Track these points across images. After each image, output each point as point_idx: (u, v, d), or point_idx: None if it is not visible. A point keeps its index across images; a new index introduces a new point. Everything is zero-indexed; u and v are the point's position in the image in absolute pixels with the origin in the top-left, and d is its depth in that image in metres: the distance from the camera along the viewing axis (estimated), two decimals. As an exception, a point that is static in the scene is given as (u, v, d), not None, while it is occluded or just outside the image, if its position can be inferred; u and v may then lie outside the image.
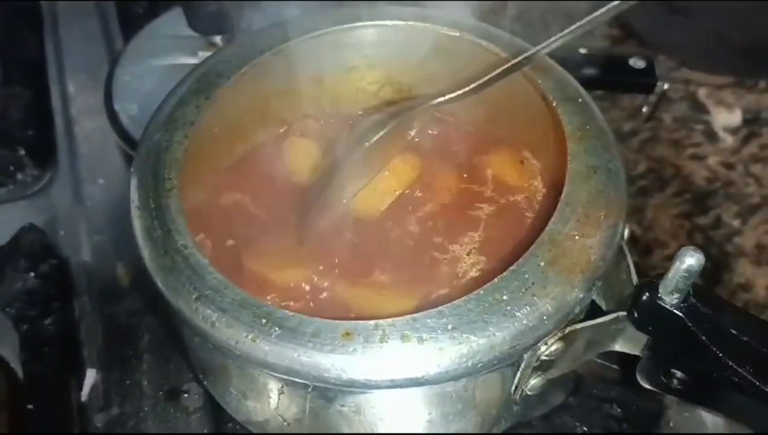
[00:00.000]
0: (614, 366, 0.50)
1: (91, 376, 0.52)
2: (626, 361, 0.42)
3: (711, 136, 0.90)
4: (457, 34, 0.48)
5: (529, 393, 0.40)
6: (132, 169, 0.42)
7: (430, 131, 0.53)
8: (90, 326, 0.55)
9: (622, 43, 1.01)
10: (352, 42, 0.50)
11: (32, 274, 0.56)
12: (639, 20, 1.03)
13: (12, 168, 0.63)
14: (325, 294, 0.43)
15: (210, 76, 0.45)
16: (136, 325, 0.54)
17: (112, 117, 0.62)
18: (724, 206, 0.85)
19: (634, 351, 0.40)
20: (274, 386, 0.38)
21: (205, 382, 0.48)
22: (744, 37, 1.00)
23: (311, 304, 0.43)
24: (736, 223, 0.84)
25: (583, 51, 0.63)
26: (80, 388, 0.52)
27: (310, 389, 0.37)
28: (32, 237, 0.57)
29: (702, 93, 0.93)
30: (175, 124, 0.43)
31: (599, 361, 0.46)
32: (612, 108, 0.90)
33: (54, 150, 0.66)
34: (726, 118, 0.90)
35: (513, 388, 0.40)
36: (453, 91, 0.52)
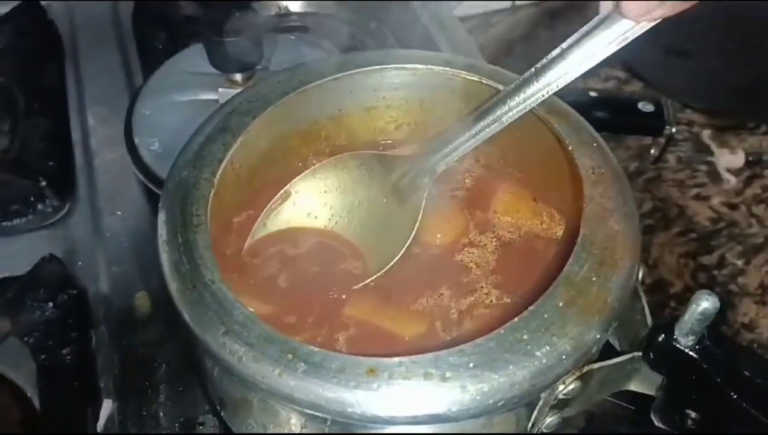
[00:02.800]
0: (624, 404, 0.51)
1: (107, 406, 0.52)
2: (638, 399, 0.43)
3: (714, 176, 0.92)
4: (475, 79, 0.50)
5: (545, 431, 0.41)
6: (160, 205, 0.43)
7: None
8: (107, 357, 0.55)
9: (626, 84, 1.03)
10: (372, 83, 0.52)
11: (51, 304, 0.56)
12: (642, 62, 1.05)
13: (32, 198, 0.64)
14: (340, 318, 0.45)
15: (236, 115, 0.47)
16: (152, 356, 0.55)
17: (132, 150, 0.63)
18: (728, 246, 0.87)
19: (649, 391, 0.41)
20: (296, 420, 0.39)
21: (222, 413, 0.48)
22: (744, 80, 1.02)
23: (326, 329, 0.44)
24: (739, 262, 0.86)
25: (593, 94, 0.65)
26: (96, 418, 0.52)
27: (328, 422, 0.38)
28: (52, 267, 0.58)
29: (705, 134, 0.95)
30: (202, 162, 0.44)
31: (611, 399, 0.47)
32: (617, 148, 0.92)
33: (73, 181, 0.67)
34: (729, 159, 0.92)
35: (530, 425, 0.40)
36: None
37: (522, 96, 0.43)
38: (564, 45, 0.41)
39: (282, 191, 0.49)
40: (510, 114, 0.43)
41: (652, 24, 0.38)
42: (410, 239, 0.47)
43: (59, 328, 0.55)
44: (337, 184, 0.50)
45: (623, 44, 0.39)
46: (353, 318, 0.45)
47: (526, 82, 0.42)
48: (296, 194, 0.50)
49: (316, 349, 0.36)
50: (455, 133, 0.46)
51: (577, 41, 0.40)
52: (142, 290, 0.58)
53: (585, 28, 0.40)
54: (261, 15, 0.73)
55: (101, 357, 0.55)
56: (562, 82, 0.41)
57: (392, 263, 0.47)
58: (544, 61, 0.41)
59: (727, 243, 0.87)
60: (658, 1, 0.36)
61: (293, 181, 0.49)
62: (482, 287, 0.47)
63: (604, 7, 0.39)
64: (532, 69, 0.42)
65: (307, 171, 0.50)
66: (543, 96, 0.42)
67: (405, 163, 0.49)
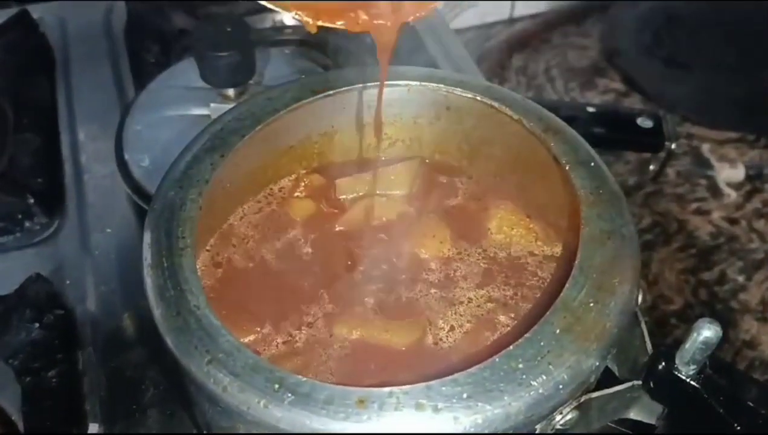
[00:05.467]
0: (624, 430, 0.50)
1: (93, 430, 0.51)
2: (639, 425, 0.41)
3: (715, 191, 0.91)
4: (469, 96, 0.49)
5: (541, 461, 0.40)
6: (145, 227, 0.42)
7: (434, 183, 0.54)
8: (94, 379, 0.54)
9: (625, 96, 1.02)
10: (365, 100, 0.51)
11: (37, 324, 0.55)
12: (641, 75, 1.05)
13: (20, 215, 0.63)
14: (331, 336, 0.44)
15: (225, 133, 0.46)
16: (141, 379, 0.54)
17: (123, 167, 0.62)
18: (729, 262, 0.86)
19: (650, 420, 0.39)
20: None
21: (209, 440, 0.47)
22: (744, 93, 1.02)
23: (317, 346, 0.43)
24: (740, 278, 0.85)
25: (591, 109, 0.64)
26: (82, 442, 0.51)
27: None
28: (38, 287, 0.57)
29: (705, 148, 0.94)
30: (189, 182, 0.43)
31: (611, 425, 0.46)
32: (616, 162, 0.91)
33: (62, 198, 0.65)
34: (729, 173, 0.91)
35: (526, 456, 0.39)
36: (460, 150, 0.53)
37: None
38: None
39: None
40: None
41: None
42: None
43: (45, 350, 0.54)
44: None
45: None
46: (345, 334, 0.44)
47: None
48: None
49: (304, 378, 0.35)
50: None
51: None
52: (130, 310, 0.57)
53: None
54: (254, 28, 0.72)
55: (88, 379, 0.54)
56: None
57: None
58: None
59: (727, 258, 0.86)
60: None
61: None
62: (471, 300, 0.46)
63: None
64: None
65: None
66: None
67: None
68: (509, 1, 1.11)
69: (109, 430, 0.51)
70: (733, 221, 0.90)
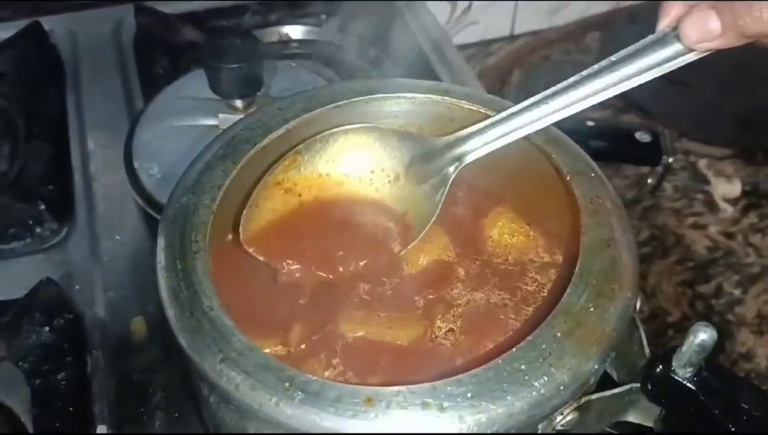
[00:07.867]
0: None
1: (101, 432, 0.52)
2: (637, 429, 0.43)
3: (711, 206, 0.92)
4: (473, 108, 0.50)
5: (542, 462, 0.41)
6: (159, 231, 0.43)
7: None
8: (102, 382, 0.55)
9: (623, 112, 1.04)
10: (372, 111, 0.52)
11: (47, 328, 0.56)
12: (639, 90, 1.06)
13: (31, 222, 0.64)
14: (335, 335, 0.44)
15: (237, 142, 0.47)
16: (148, 382, 0.55)
17: (132, 175, 0.63)
18: (725, 275, 0.87)
19: (647, 422, 0.40)
20: (292, 449, 0.39)
21: (217, 441, 0.48)
22: (741, 109, 1.03)
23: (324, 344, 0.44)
24: (737, 292, 0.86)
25: (590, 123, 0.65)
26: (90, 444, 0.52)
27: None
28: (49, 291, 0.58)
29: (702, 163, 0.95)
30: (202, 188, 0.44)
31: (609, 430, 0.47)
32: (615, 176, 0.93)
33: (72, 205, 0.67)
34: (726, 188, 0.92)
35: (527, 457, 0.40)
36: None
37: (567, 99, 0.42)
38: (614, 57, 0.41)
39: (291, 152, 0.47)
40: (549, 117, 0.43)
41: (703, 55, 0.38)
42: (428, 226, 0.47)
43: (55, 353, 0.55)
44: (349, 155, 0.49)
45: (669, 69, 0.39)
46: (350, 332, 0.45)
47: (573, 86, 0.42)
48: (304, 159, 0.48)
49: (314, 377, 0.36)
50: (490, 125, 0.46)
51: (629, 56, 0.40)
52: (138, 315, 0.58)
53: (639, 44, 0.40)
54: (262, 41, 0.73)
55: (96, 382, 0.55)
56: (606, 94, 0.41)
57: (409, 248, 0.47)
58: (595, 68, 0.41)
59: (724, 272, 0.87)
60: (720, 31, 0.36)
61: (299, 146, 0.48)
62: (470, 302, 0.47)
63: (662, 26, 0.39)
64: (580, 74, 0.42)
65: (315, 137, 0.48)
66: (586, 104, 0.42)
67: (426, 143, 0.48)
68: (511, 5, 1.12)
69: (117, 432, 0.52)
70: (729, 235, 0.92)
